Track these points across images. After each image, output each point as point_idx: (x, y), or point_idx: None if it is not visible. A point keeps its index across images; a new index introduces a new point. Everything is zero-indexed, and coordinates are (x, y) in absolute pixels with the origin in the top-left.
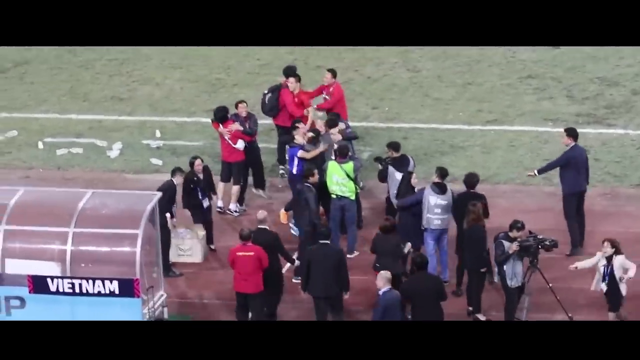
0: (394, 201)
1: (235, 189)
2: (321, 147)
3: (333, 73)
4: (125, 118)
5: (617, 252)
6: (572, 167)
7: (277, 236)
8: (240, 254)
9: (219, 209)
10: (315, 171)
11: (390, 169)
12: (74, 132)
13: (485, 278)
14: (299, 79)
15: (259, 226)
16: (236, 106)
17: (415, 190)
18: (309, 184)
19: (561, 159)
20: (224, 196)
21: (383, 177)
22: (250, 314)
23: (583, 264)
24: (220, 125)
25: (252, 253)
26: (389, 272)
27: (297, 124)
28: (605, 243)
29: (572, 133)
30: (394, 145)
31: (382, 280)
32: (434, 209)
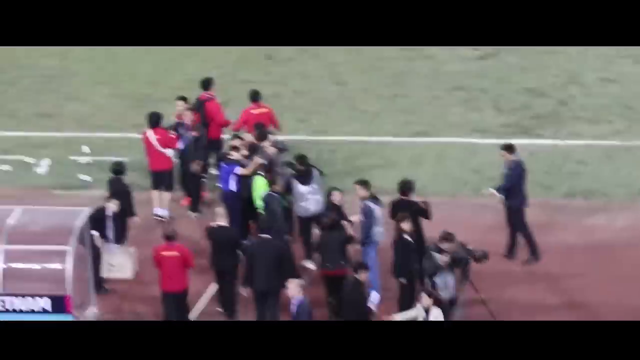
0: (298, 213)
1: (167, 196)
2: (259, 160)
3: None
4: (53, 134)
5: (435, 303)
6: (523, 180)
7: (238, 232)
8: (165, 253)
9: (157, 217)
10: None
11: (294, 181)
12: (2, 149)
13: (412, 289)
14: None
15: (218, 223)
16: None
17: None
18: (275, 193)
19: (516, 174)
20: (159, 203)
21: (287, 188)
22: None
23: (401, 316)
24: (151, 132)
25: (176, 253)
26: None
27: (234, 141)
28: (423, 294)
29: (510, 148)
30: (300, 159)
31: (296, 289)
32: (378, 221)
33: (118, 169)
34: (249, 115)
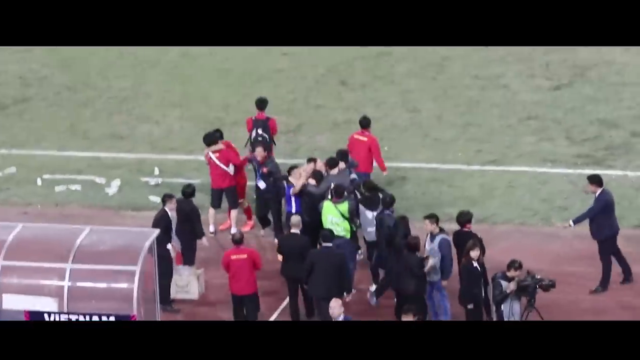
0: (365, 237)
1: (234, 212)
2: (302, 180)
3: None
4: (125, 155)
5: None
6: (609, 211)
7: (308, 241)
8: (234, 257)
9: (211, 234)
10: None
11: (361, 207)
12: (73, 169)
13: (480, 316)
14: None
15: (291, 231)
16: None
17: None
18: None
19: (597, 206)
20: (215, 222)
21: (353, 212)
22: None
23: None
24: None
25: (245, 256)
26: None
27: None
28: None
29: (595, 180)
30: (367, 184)
31: (339, 309)
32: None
33: (188, 191)
34: (351, 139)
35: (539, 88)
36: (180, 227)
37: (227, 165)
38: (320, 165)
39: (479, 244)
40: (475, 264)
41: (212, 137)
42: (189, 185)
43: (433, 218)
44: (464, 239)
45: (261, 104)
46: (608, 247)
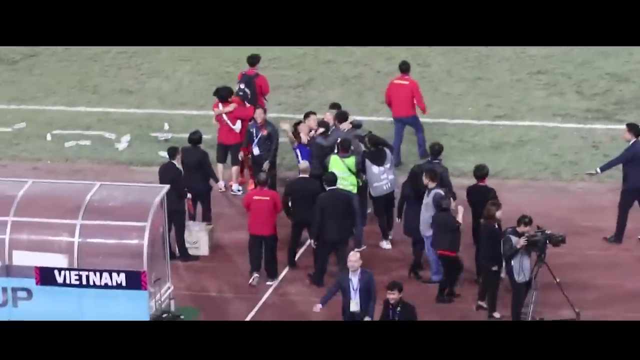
0: (371, 192)
1: (235, 169)
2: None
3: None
4: (134, 111)
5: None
6: (636, 163)
7: (320, 185)
8: (256, 197)
9: (220, 190)
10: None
11: (367, 162)
12: (83, 125)
13: (499, 277)
14: None
15: (300, 175)
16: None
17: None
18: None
19: (625, 155)
20: (223, 177)
21: (360, 168)
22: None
23: None
24: (220, 105)
25: (267, 198)
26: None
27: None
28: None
29: (633, 129)
30: (372, 139)
31: (358, 262)
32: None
33: (195, 137)
34: (391, 85)
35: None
36: (192, 177)
37: (234, 124)
38: (328, 117)
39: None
40: (496, 225)
41: (227, 92)
42: (196, 132)
43: (429, 173)
44: (480, 194)
45: (252, 59)
46: (627, 198)
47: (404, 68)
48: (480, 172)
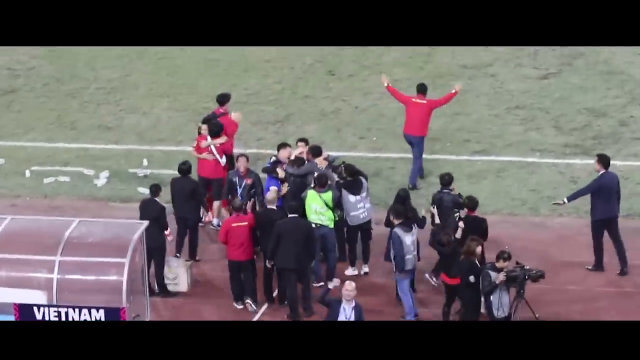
0: (348, 221)
1: (217, 204)
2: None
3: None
4: (113, 147)
5: None
6: (603, 194)
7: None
8: (234, 224)
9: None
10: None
11: (344, 192)
12: (61, 161)
13: (479, 312)
14: None
15: (268, 206)
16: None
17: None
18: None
19: (592, 186)
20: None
21: (337, 200)
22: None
23: None
24: (209, 138)
25: (245, 223)
26: None
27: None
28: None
29: (602, 160)
30: (348, 169)
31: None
32: (410, 248)
33: (185, 167)
34: (410, 102)
35: (527, 77)
36: (183, 207)
37: (222, 157)
38: (302, 151)
39: (486, 232)
40: (476, 260)
41: (219, 127)
42: (185, 162)
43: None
44: (473, 223)
45: (221, 98)
46: (596, 229)
47: (422, 89)
48: (472, 203)
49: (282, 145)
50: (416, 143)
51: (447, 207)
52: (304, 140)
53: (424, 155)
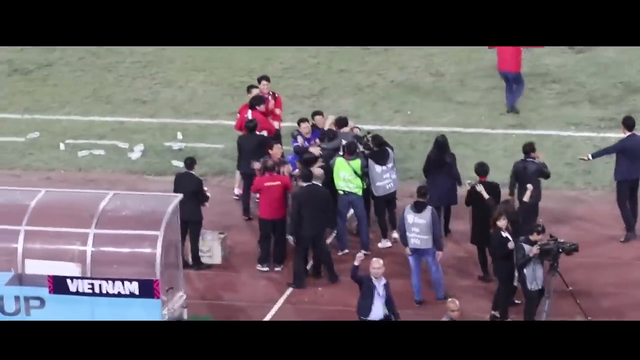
0: (374, 191)
1: (238, 173)
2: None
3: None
4: (148, 120)
5: None
6: (627, 156)
7: (329, 195)
8: (267, 184)
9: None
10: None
11: (370, 161)
12: (96, 134)
13: (514, 289)
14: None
15: (313, 181)
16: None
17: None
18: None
19: (616, 146)
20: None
21: (364, 168)
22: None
23: None
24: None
25: (278, 182)
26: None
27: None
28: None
29: (626, 123)
30: (376, 139)
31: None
32: (412, 228)
33: (188, 162)
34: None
35: (563, 51)
36: (185, 204)
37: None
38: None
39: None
40: (504, 233)
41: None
42: (190, 157)
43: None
44: (489, 190)
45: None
46: (620, 191)
47: None
48: (482, 169)
49: (302, 120)
50: (513, 79)
51: (530, 177)
52: (319, 112)
53: (459, 129)
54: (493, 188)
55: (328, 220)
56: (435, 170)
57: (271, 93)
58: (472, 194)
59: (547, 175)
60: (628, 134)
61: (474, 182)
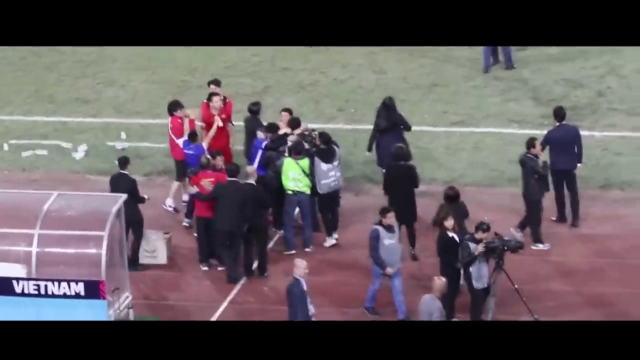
0: (318, 189)
1: (175, 185)
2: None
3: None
4: (91, 120)
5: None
6: (553, 146)
7: (261, 189)
8: (202, 182)
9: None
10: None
11: (316, 159)
12: (39, 134)
13: (458, 284)
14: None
15: (246, 180)
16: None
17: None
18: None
19: (544, 138)
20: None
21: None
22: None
23: None
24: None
25: (212, 179)
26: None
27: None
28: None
29: (555, 113)
30: (323, 137)
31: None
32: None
33: (121, 160)
34: None
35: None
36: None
37: (178, 137)
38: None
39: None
40: (450, 233)
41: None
42: (123, 156)
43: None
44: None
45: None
46: (553, 179)
47: None
48: (400, 153)
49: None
50: None
51: (528, 172)
52: (288, 110)
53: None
54: (407, 170)
55: (245, 218)
56: (383, 133)
57: (222, 97)
58: (389, 179)
59: (540, 175)
60: (557, 124)
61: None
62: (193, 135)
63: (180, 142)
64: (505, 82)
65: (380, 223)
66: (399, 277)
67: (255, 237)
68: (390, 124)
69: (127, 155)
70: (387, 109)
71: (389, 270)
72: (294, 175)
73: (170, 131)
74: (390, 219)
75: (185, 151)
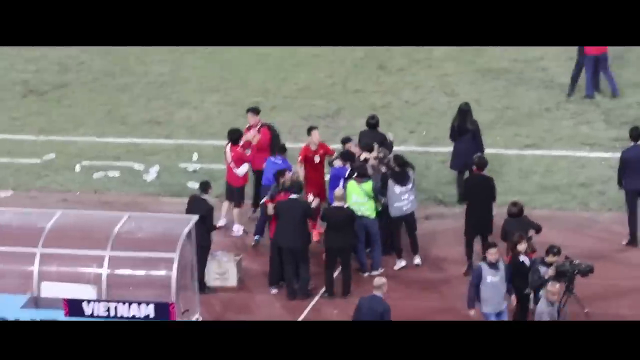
0: (390, 212)
1: (236, 211)
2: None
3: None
4: (163, 141)
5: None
6: (628, 167)
7: (353, 214)
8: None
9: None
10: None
11: (390, 182)
12: (111, 156)
13: (528, 308)
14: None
15: (335, 203)
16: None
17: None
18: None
19: (620, 159)
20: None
21: (377, 190)
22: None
23: None
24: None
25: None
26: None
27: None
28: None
29: (630, 133)
30: (397, 159)
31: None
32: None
33: (202, 185)
34: None
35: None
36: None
37: (239, 166)
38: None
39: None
40: (522, 258)
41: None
42: (205, 181)
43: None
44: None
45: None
46: (627, 199)
47: None
48: (481, 162)
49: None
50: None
51: None
52: (348, 139)
53: None
54: (486, 181)
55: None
56: (458, 137)
57: (260, 125)
58: (469, 188)
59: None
60: (631, 144)
61: None
62: (284, 149)
63: (239, 171)
64: (578, 104)
65: (484, 259)
66: (504, 318)
67: (339, 257)
68: (462, 130)
69: (208, 180)
70: (463, 113)
71: (472, 312)
72: (356, 199)
73: (230, 159)
74: (494, 255)
75: (273, 160)
